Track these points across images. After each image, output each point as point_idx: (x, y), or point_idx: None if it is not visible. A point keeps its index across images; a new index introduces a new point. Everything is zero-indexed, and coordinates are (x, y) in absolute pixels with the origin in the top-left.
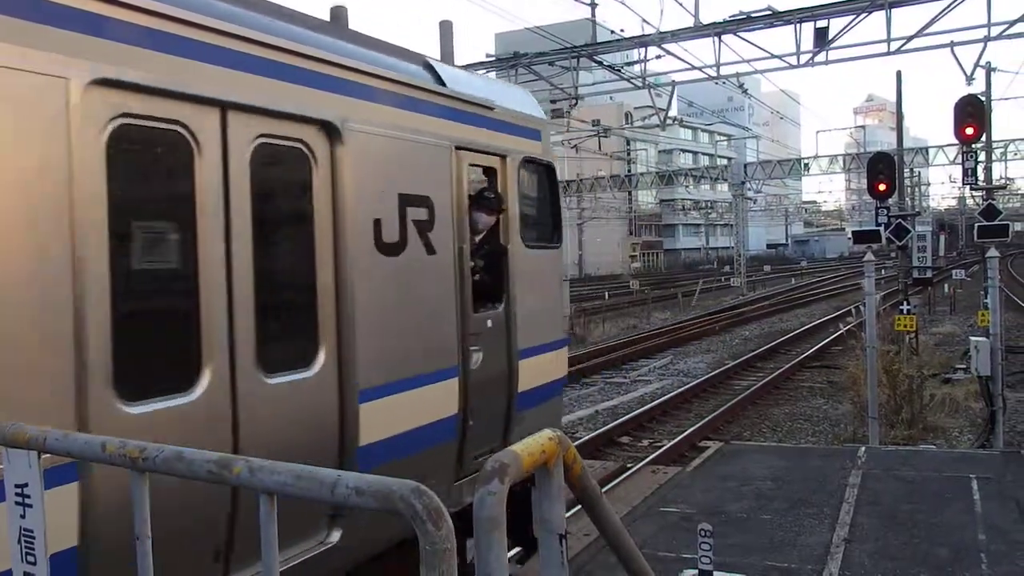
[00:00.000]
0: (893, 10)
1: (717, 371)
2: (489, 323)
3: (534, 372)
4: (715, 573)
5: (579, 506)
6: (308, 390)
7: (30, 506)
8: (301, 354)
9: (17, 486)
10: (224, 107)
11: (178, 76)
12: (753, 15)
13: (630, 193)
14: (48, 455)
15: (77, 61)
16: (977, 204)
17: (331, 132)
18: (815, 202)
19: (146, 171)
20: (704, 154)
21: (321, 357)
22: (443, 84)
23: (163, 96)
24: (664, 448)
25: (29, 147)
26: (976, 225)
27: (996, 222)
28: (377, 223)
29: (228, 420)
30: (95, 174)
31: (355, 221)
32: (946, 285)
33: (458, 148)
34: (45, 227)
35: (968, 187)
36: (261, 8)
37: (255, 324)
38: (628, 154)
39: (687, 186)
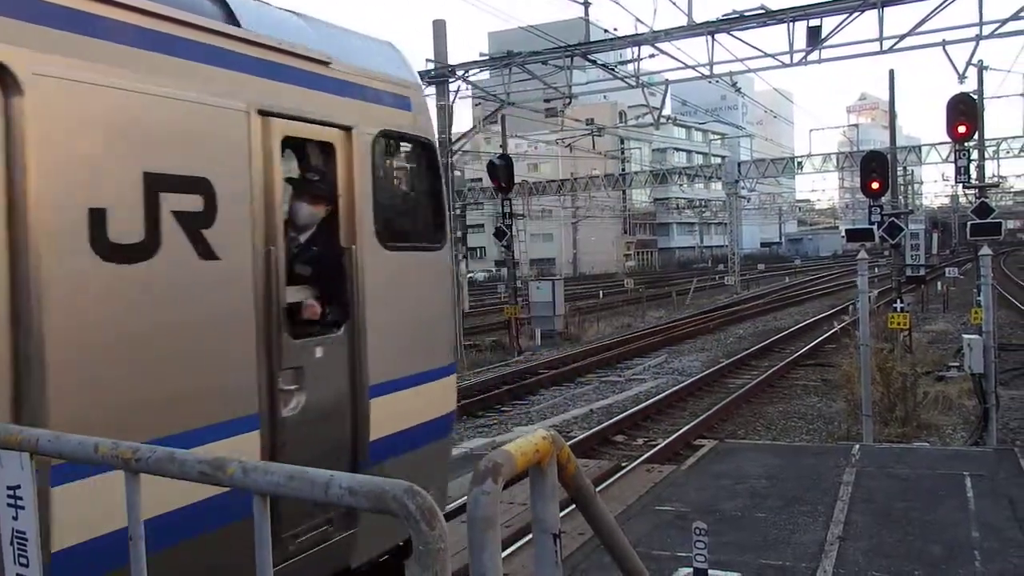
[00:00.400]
0: (885, 9)
1: (711, 369)
2: (319, 352)
3: (399, 411)
4: (710, 571)
5: (573, 505)
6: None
7: (22, 508)
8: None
9: (9, 488)
10: None
11: None
12: (746, 14)
13: (624, 192)
14: None
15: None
16: (970, 202)
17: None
18: (809, 201)
19: None
20: (698, 152)
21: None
22: (236, 23)
23: None
24: (659, 447)
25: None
26: (969, 223)
27: (989, 220)
28: (97, 214)
29: None
30: None
31: (44, 208)
32: (939, 283)
33: (264, 114)
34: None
35: (961, 185)
36: None
37: None
38: (622, 153)
39: (681, 185)
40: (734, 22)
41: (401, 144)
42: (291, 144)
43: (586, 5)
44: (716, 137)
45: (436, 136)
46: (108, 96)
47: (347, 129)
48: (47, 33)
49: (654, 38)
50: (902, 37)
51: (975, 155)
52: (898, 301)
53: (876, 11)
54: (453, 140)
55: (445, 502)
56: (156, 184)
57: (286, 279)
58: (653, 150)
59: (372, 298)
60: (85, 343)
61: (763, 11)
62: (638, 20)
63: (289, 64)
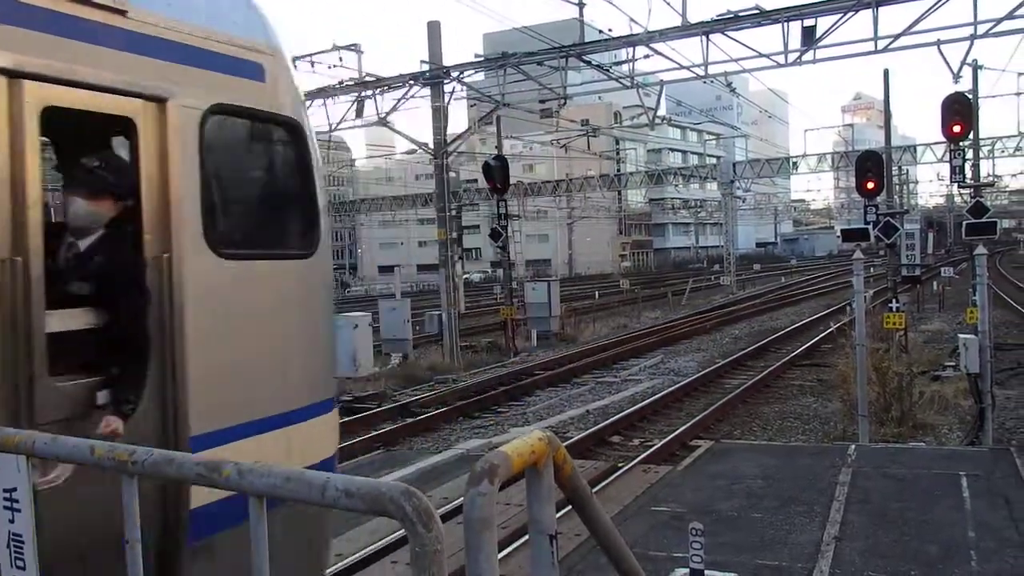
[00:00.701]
0: (880, 8)
1: (707, 370)
2: (102, 398)
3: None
4: (706, 572)
5: (569, 506)
6: None
7: (19, 511)
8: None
9: (5, 491)
10: None
11: None
12: (740, 14)
13: (620, 192)
14: None
15: None
16: (965, 202)
17: None
18: (804, 200)
19: None
20: (693, 153)
21: None
22: None
23: None
24: (655, 447)
25: None
26: (964, 223)
27: (984, 219)
28: None
29: None
30: None
31: None
32: (934, 283)
33: (9, 75)
34: None
35: (956, 185)
36: None
37: None
38: (617, 153)
39: (676, 185)
40: (729, 22)
41: (252, 123)
42: (61, 119)
43: (580, 6)
44: (711, 137)
45: (305, 117)
46: None
47: (158, 100)
48: None
49: (648, 38)
50: (896, 37)
51: (969, 154)
52: (893, 301)
53: (871, 11)
54: (448, 141)
55: (325, 565)
56: None
57: (47, 300)
58: (648, 150)
59: (196, 320)
60: None
61: (758, 11)
62: (632, 20)
63: (56, 9)
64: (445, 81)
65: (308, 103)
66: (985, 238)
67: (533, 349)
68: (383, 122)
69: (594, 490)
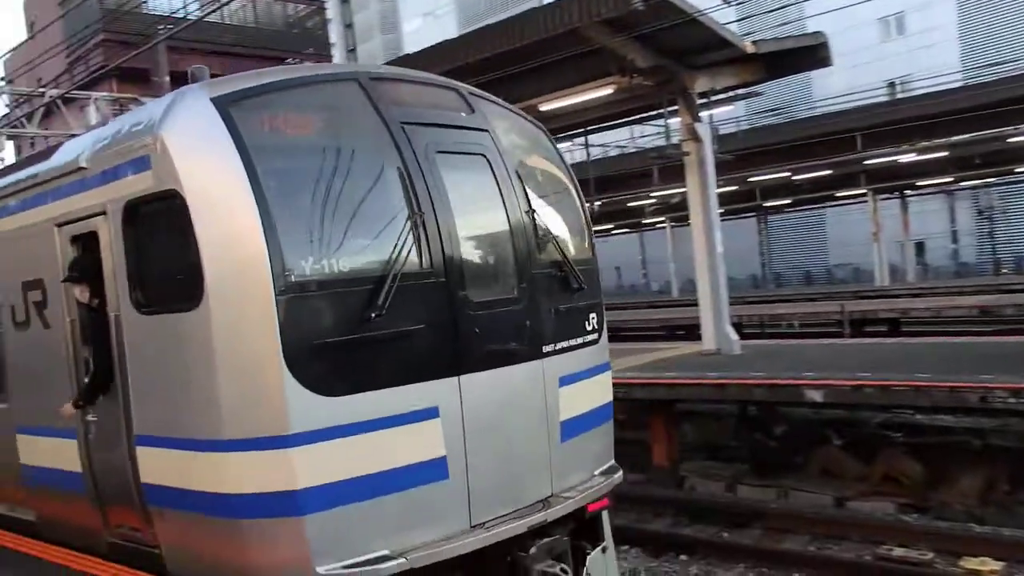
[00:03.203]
0: None
1: None
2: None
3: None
4: None
5: None
6: None
7: None
8: None
9: None
10: None
11: None
12: None
13: None
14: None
15: None
16: None
17: None
18: None
19: None
20: None
21: None
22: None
23: None
24: None
25: None
26: None
27: None
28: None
29: None
30: None
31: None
32: None
33: (58, 225)
34: None
35: None
36: None
37: None
38: None
39: None
40: None
41: (149, 204)
42: (75, 235)
43: None
44: None
45: (189, 174)
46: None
47: (103, 213)
48: None
49: None
50: None
51: None
52: None
53: None
54: None
55: None
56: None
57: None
58: None
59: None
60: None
61: None
62: None
63: (63, 182)
64: None
65: None
66: None
67: None
68: None
69: None
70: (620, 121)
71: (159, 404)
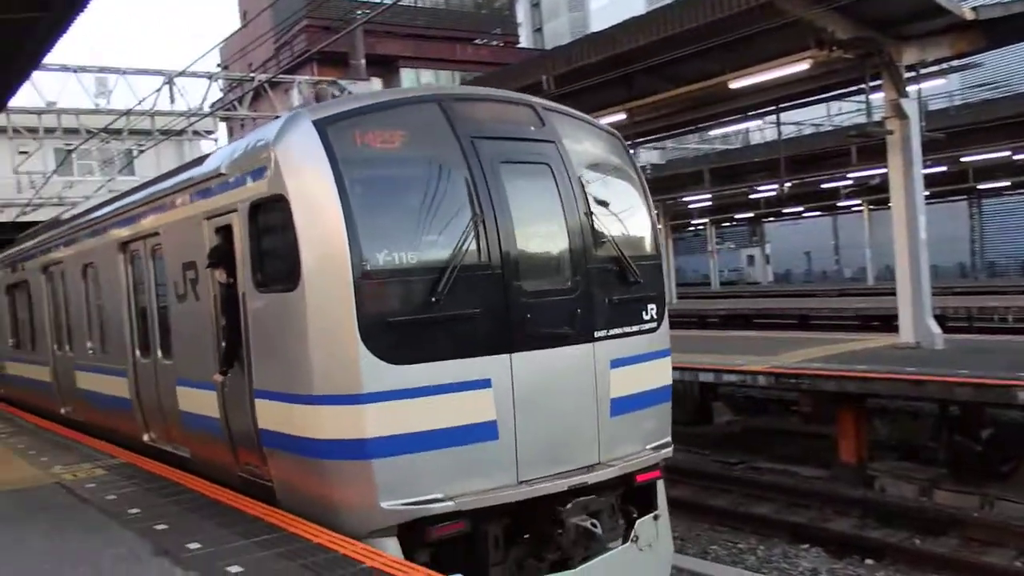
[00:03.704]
0: None
1: None
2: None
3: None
4: None
5: None
6: (151, 372)
7: None
8: (146, 349)
9: None
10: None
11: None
12: None
13: None
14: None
15: None
16: None
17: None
18: None
19: None
20: None
21: (159, 353)
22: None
23: None
24: None
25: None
26: None
27: None
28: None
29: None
30: None
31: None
32: None
33: (207, 217)
34: None
35: None
36: None
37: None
38: None
39: None
40: None
41: (263, 204)
42: (219, 227)
43: None
44: None
45: (293, 182)
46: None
47: (235, 210)
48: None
49: None
50: None
51: None
52: None
53: None
54: None
55: None
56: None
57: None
58: None
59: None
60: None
61: None
62: None
63: (210, 183)
64: None
65: None
66: None
67: None
68: None
69: None
70: (815, 98)
71: (270, 364)
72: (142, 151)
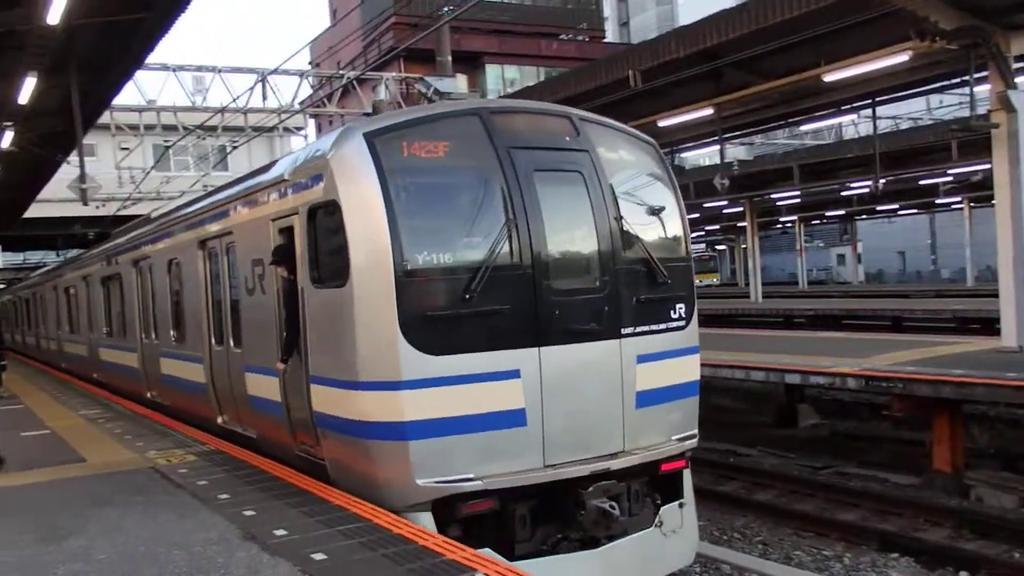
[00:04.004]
0: None
1: None
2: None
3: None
4: None
5: None
6: (224, 359)
7: None
8: (220, 338)
9: None
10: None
11: None
12: None
13: None
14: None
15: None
16: None
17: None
18: None
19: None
20: None
21: (230, 341)
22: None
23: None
24: None
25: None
26: None
27: None
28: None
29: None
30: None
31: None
32: None
33: (273, 219)
34: None
35: None
36: None
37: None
38: None
39: None
40: None
41: (319, 209)
42: (282, 228)
43: None
44: None
45: (344, 189)
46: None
47: (296, 212)
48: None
49: None
50: None
51: None
52: None
53: None
54: None
55: None
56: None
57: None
58: None
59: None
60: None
61: None
62: None
63: (275, 188)
64: None
65: None
66: None
67: None
68: None
69: None
70: (914, 91)
71: (323, 353)
72: (235, 147)
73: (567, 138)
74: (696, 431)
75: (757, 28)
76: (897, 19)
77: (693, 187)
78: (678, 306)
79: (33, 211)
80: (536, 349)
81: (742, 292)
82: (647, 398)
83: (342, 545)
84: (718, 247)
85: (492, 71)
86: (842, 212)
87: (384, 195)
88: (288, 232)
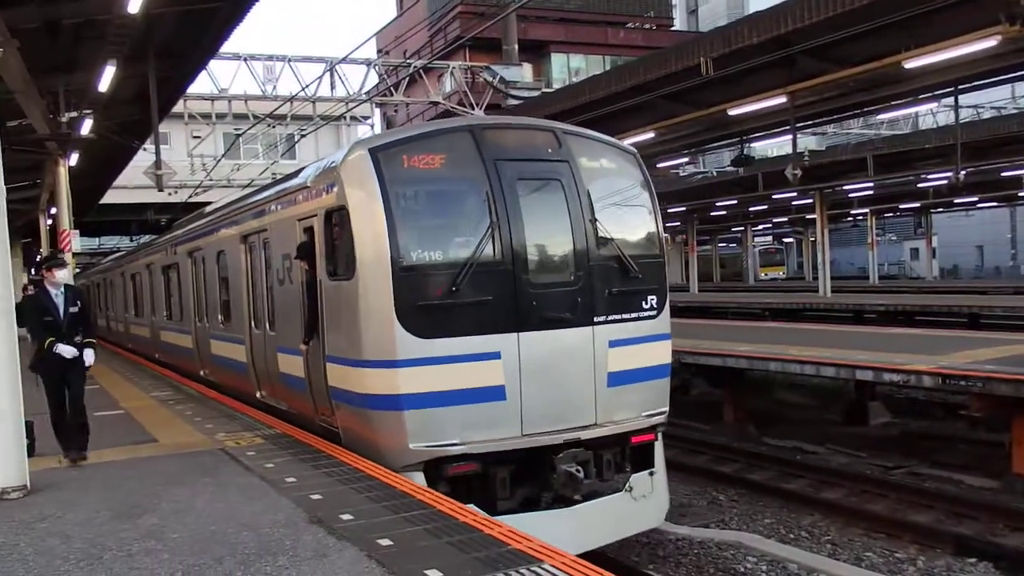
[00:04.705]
0: None
1: None
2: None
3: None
4: None
5: None
6: (262, 341)
7: None
8: (260, 323)
9: None
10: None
11: None
12: None
13: None
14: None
15: None
16: None
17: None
18: None
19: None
20: None
21: (266, 325)
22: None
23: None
24: None
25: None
26: None
27: None
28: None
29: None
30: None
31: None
32: None
33: (299, 220)
34: None
35: None
36: None
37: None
38: None
39: None
40: None
41: (333, 212)
42: (305, 228)
43: None
44: None
45: (351, 196)
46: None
47: (316, 215)
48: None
49: None
50: None
51: None
52: None
53: None
54: None
55: None
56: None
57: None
58: None
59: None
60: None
61: None
62: None
63: (300, 192)
64: None
65: None
66: None
67: None
68: None
69: None
70: (1000, 78)
71: (336, 336)
72: (303, 136)
73: (549, 150)
74: (666, 409)
75: (835, 13)
76: (985, 3)
77: (761, 178)
78: (649, 297)
79: (109, 197)
80: (515, 334)
81: (810, 286)
82: (618, 378)
83: (407, 531)
84: (785, 240)
85: (557, 60)
86: (917, 205)
87: (384, 201)
88: (310, 231)
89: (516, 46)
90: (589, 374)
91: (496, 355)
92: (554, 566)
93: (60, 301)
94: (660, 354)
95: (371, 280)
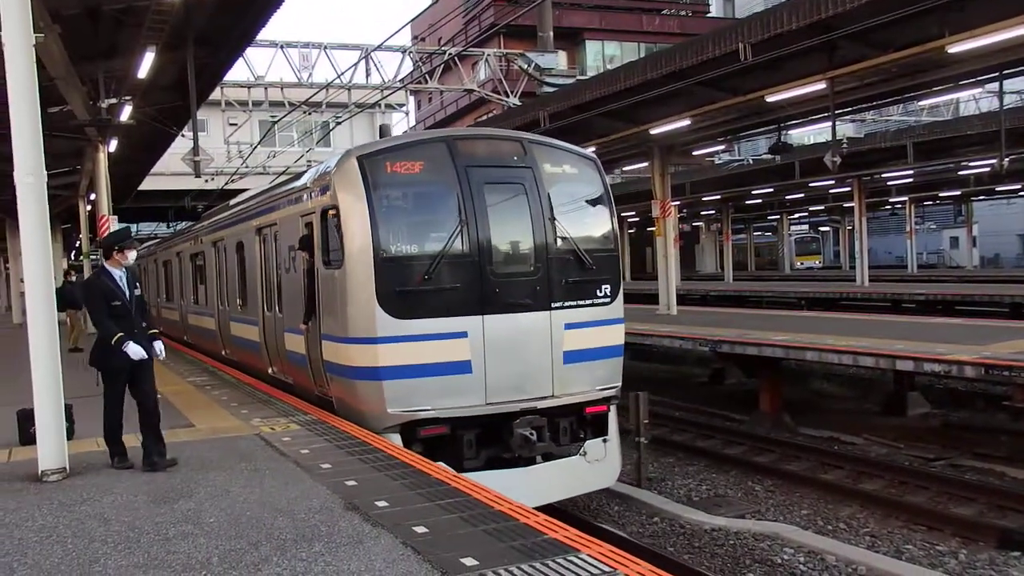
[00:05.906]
0: None
1: None
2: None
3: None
4: None
5: None
6: (272, 322)
7: None
8: (271, 306)
9: None
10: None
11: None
12: None
13: None
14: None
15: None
16: None
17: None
18: None
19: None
20: None
21: (276, 308)
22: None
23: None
24: None
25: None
26: None
27: None
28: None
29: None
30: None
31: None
32: None
33: (302, 215)
34: None
35: None
36: None
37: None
38: None
39: None
40: None
41: (328, 210)
42: (307, 223)
43: None
44: None
45: (342, 197)
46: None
47: (315, 212)
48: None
49: None
50: None
51: None
52: None
53: None
54: None
55: None
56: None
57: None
58: None
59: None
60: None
61: None
62: None
63: (303, 192)
64: None
65: None
66: None
67: None
68: None
69: None
70: None
71: (330, 317)
72: (338, 123)
73: (515, 158)
74: (619, 384)
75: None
76: None
77: (798, 166)
78: (603, 286)
79: (147, 184)
80: (480, 317)
81: (847, 276)
82: (573, 356)
83: (443, 519)
84: (821, 228)
85: (592, 47)
86: (957, 192)
87: (368, 202)
88: (310, 226)
89: (551, 33)
90: (547, 352)
91: (463, 334)
92: (591, 555)
93: (124, 284)
94: (613, 336)
95: (357, 269)
